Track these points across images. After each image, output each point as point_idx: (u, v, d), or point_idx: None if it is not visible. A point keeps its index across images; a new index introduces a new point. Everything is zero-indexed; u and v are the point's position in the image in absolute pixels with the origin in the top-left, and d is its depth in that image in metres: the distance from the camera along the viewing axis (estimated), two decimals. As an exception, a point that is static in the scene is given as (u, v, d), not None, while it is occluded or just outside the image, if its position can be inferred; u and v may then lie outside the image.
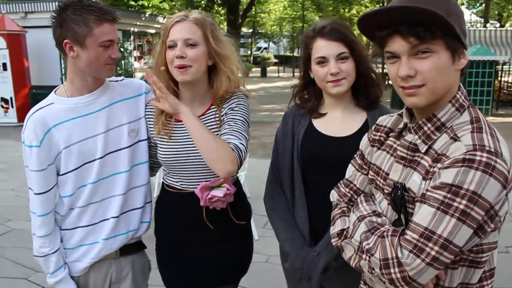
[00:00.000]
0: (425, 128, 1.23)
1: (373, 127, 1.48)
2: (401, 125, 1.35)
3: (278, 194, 1.90)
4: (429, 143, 1.22)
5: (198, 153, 1.79)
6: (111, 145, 1.81)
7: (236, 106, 1.82)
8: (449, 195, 1.09)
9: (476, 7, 33.17)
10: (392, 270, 1.15)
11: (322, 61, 1.74)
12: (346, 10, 26.45)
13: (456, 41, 1.18)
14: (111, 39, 1.71)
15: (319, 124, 1.86)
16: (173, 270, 1.96)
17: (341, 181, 1.54)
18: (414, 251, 1.12)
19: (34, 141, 1.74)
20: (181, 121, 1.82)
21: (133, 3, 19.00)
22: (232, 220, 1.88)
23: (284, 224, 1.86)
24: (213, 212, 1.81)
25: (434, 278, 1.19)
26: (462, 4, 29.90)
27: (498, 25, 29.82)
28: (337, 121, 1.84)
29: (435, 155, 1.19)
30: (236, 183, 1.95)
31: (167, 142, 1.85)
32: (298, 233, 1.83)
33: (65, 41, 1.69)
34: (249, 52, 38.78)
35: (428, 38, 1.14)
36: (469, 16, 36.57)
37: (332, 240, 1.42)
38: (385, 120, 1.45)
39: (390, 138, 1.38)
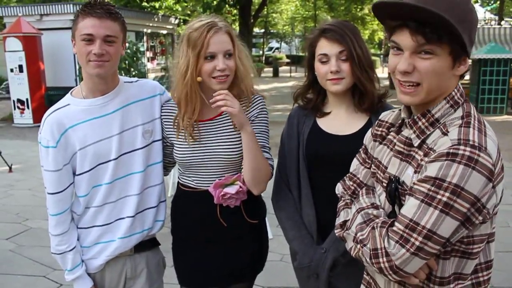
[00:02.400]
0: (420, 124, 1.27)
1: (376, 123, 1.53)
2: (400, 120, 1.39)
3: (285, 194, 1.92)
4: (423, 137, 1.27)
5: (214, 153, 1.83)
6: (125, 146, 1.84)
7: (259, 115, 1.88)
8: (432, 188, 1.14)
9: (490, 4, 32.77)
10: (380, 260, 1.21)
11: (324, 59, 1.79)
12: (358, 9, 26.32)
13: (461, 48, 1.20)
14: (90, 33, 1.69)
15: (323, 123, 1.89)
16: (188, 269, 1.99)
17: (346, 175, 1.58)
18: (400, 241, 1.18)
19: (51, 142, 1.78)
20: (201, 121, 1.86)
21: (145, 4, 19.12)
22: (245, 218, 1.91)
23: (292, 223, 1.89)
24: (227, 210, 1.84)
25: (427, 268, 1.23)
26: (476, 1, 29.48)
27: (513, 22, 29.39)
28: (341, 120, 1.86)
29: (427, 150, 1.23)
30: None
31: (184, 142, 1.87)
32: (305, 232, 1.86)
33: (71, 38, 1.78)
34: (261, 52, 38.78)
35: (434, 40, 1.17)
36: (484, 13, 36.13)
37: (336, 231, 1.47)
38: (387, 116, 1.50)
39: (391, 133, 1.43)
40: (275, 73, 28.98)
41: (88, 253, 1.90)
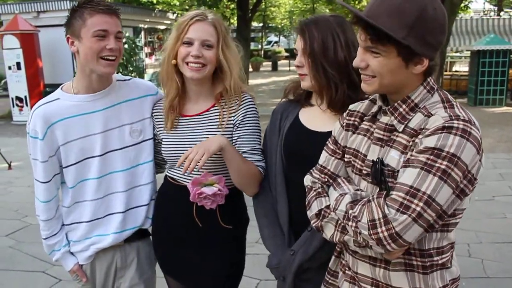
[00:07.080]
0: (401, 109, 1.34)
1: (345, 113, 1.54)
2: (374, 109, 1.44)
3: (264, 191, 1.88)
4: (405, 122, 1.32)
5: None
6: (111, 144, 1.86)
7: (246, 116, 1.86)
8: (431, 157, 1.20)
9: (489, -5, 32.64)
10: (379, 230, 1.22)
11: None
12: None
13: (410, 51, 1.23)
14: (105, 29, 1.72)
15: (304, 117, 1.83)
16: (166, 256, 2.01)
17: (314, 167, 1.56)
18: (401, 209, 1.20)
19: (38, 134, 1.81)
20: (185, 116, 1.87)
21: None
22: (219, 222, 1.87)
23: (267, 221, 1.85)
24: (202, 210, 1.81)
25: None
26: (475, -8, 29.28)
27: (512, 13, 29.28)
28: (322, 115, 1.79)
29: (412, 132, 1.29)
30: (235, 189, 1.90)
31: (170, 137, 1.88)
32: (279, 231, 1.83)
33: (67, 36, 1.78)
34: (259, 46, 38.71)
35: (376, 42, 1.24)
36: (483, 4, 36.01)
37: (312, 222, 1.46)
38: (357, 106, 1.53)
39: (365, 122, 1.47)
40: (274, 67, 28.95)
41: (79, 246, 1.93)
